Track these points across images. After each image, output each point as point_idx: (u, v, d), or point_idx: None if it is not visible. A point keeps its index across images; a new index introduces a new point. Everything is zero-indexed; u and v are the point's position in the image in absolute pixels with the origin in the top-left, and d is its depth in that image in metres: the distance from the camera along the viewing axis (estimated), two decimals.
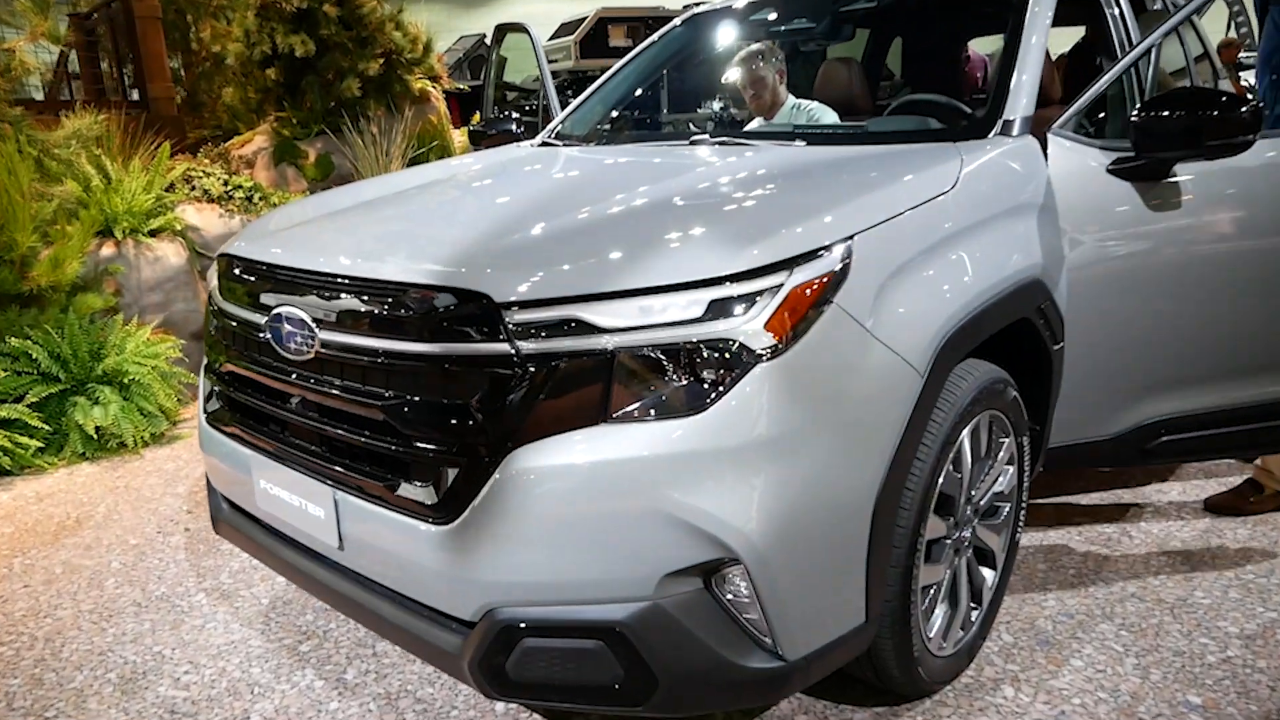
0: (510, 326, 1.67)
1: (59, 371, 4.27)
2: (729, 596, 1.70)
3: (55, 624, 2.82)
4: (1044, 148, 2.48)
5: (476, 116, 6.82)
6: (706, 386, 1.64)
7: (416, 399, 1.76)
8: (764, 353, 1.64)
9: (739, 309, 1.65)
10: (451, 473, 1.72)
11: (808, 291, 1.71)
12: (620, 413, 1.64)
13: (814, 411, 1.69)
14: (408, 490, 1.79)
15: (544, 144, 3.43)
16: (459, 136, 7.34)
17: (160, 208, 5.18)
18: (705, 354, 1.64)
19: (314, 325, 1.91)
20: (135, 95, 8.18)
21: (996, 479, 2.36)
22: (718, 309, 1.65)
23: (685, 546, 1.63)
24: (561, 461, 1.64)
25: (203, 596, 2.97)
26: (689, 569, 1.65)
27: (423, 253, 1.86)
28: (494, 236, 1.90)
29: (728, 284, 1.66)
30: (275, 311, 2.00)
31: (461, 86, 8.33)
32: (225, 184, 5.54)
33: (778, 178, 2.27)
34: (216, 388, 2.36)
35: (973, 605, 2.36)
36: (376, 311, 1.81)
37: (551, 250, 1.82)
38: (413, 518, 1.77)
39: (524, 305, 1.67)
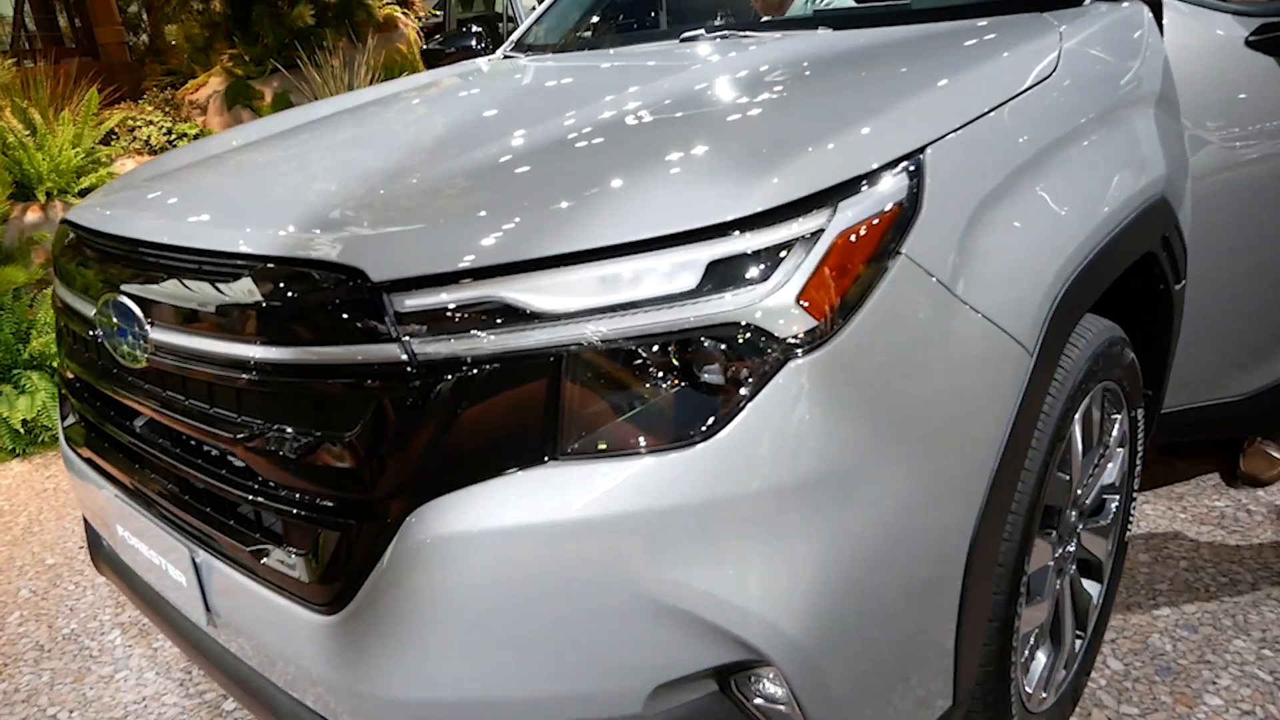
0: (398, 317, 1.08)
1: None
2: (757, 701, 1.14)
3: None
4: (1157, 16, 1.83)
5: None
6: (710, 400, 1.04)
7: (275, 427, 1.18)
8: (798, 341, 1.04)
9: (754, 273, 1.05)
10: (332, 538, 1.15)
11: (858, 237, 1.10)
12: (576, 445, 1.06)
13: (880, 428, 1.09)
14: (277, 559, 1.22)
15: (505, 57, 2.78)
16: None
17: (92, 164, 4.58)
18: (706, 348, 1.05)
19: (145, 321, 1.33)
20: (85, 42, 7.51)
21: (1106, 468, 1.77)
22: (721, 275, 1.05)
23: (688, 648, 1.06)
24: (487, 524, 1.06)
25: (117, 635, 2.45)
26: (695, 675, 1.08)
27: (281, 211, 1.26)
28: (388, 182, 1.30)
29: (735, 234, 1.06)
30: (103, 300, 1.42)
31: (435, 13, 7.57)
32: (168, 133, 4.91)
33: (803, 76, 1.63)
34: (70, 399, 1.79)
35: (1077, 633, 1.80)
36: (215, 300, 1.22)
37: (467, 199, 1.22)
38: (287, 598, 1.22)
39: (418, 285, 1.08)
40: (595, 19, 3.06)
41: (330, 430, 1.13)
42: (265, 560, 1.23)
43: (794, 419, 1.03)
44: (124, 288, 1.37)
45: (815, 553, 1.04)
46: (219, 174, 1.65)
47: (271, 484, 1.21)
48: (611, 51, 2.51)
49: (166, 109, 5.48)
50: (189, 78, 6.70)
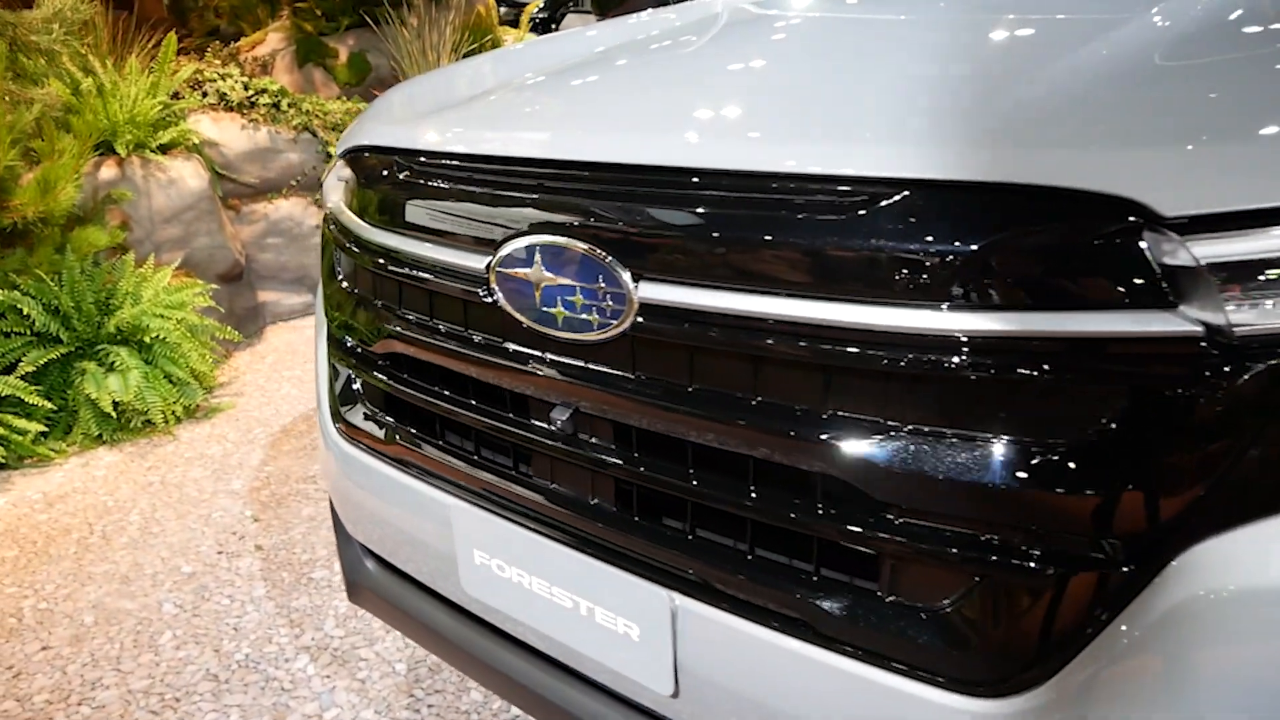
0: (1201, 275, 0.71)
1: (59, 330, 3.27)
2: None
3: (95, 716, 1.90)
4: None
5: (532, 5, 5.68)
6: None
7: (925, 429, 0.81)
8: None
9: None
10: (1013, 589, 0.78)
11: None
12: None
13: None
14: (880, 617, 0.85)
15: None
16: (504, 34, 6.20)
17: (169, 117, 4.11)
18: None
19: (621, 274, 0.95)
20: None
21: None
22: None
23: None
24: None
25: (306, 661, 2.05)
26: None
27: (916, 129, 0.88)
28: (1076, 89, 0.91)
29: None
30: (517, 247, 1.03)
31: None
32: (246, 88, 4.45)
33: None
34: (363, 381, 1.40)
35: None
36: (825, 244, 0.84)
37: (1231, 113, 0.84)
38: (885, 670, 0.85)
39: (1223, 225, 0.72)
40: None
41: (1040, 435, 0.76)
42: (841, 614, 0.86)
43: None
44: (569, 226, 0.98)
45: None
46: (639, 86, 1.25)
47: (890, 513, 0.83)
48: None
49: (231, 63, 5.00)
50: (231, 38, 6.21)
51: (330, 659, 2.06)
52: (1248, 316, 0.71)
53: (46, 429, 3.17)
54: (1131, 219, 0.73)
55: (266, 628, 2.18)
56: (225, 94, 4.38)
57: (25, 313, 3.19)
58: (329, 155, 4.59)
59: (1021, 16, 1.25)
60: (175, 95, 4.31)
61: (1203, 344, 0.71)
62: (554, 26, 3.65)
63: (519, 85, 1.39)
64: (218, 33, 6.77)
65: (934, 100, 0.93)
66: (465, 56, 5.29)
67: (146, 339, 3.41)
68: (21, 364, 3.13)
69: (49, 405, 3.17)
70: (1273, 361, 0.71)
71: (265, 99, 4.45)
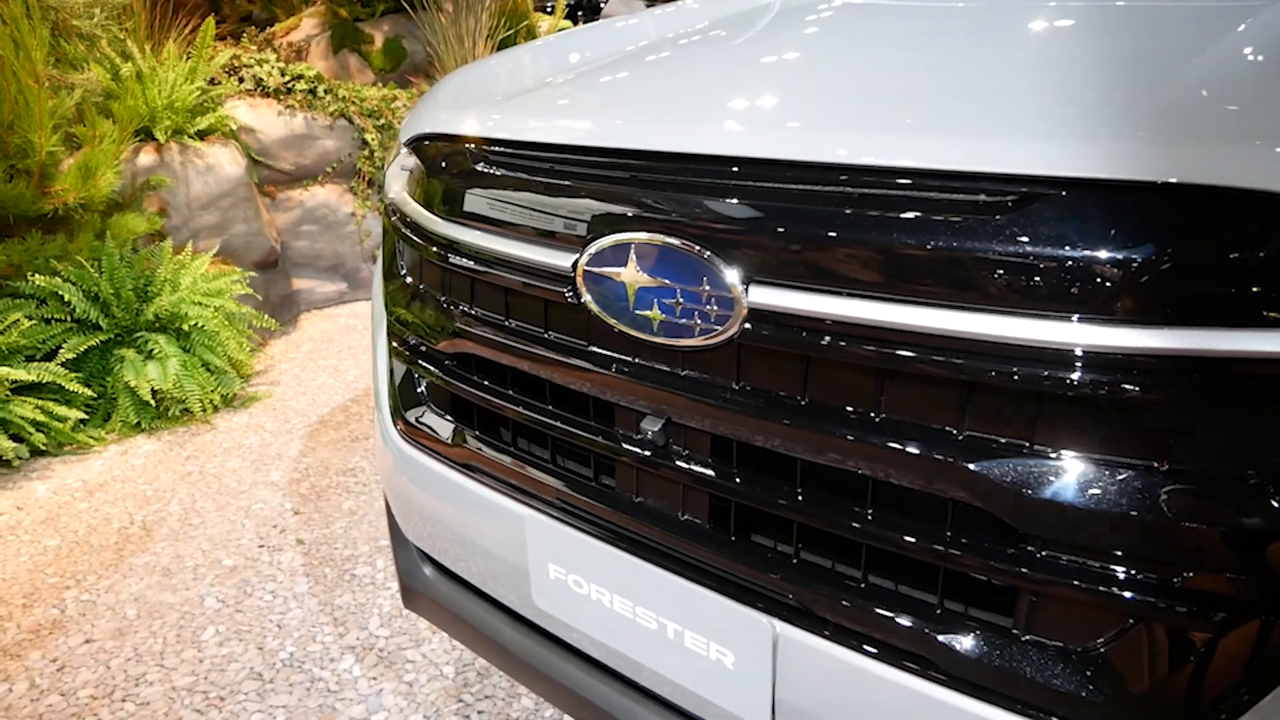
0: None
1: (98, 317, 3.24)
2: None
3: (139, 717, 1.87)
4: None
5: None
6: None
7: (1076, 457, 0.73)
8: None
9: None
10: (1171, 631, 0.71)
11: None
12: None
13: None
14: (1016, 656, 0.78)
15: None
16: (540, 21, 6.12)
17: (207, 103, 4.07)
18: None
19: (724, 274, 0.88)
20: None
21: None
22: None
23: None
24: None
25: (352, 663, 2.01)
26: None
27: (1067, 123, 0.80)
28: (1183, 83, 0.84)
29: None
30: (608, 245, 0.97)
31: None
32: (283, 74, 4.40)
33: None
34: (428, 381, 1.34)
35: None
36: (953, 251, 0.76)
37: None
38: (1021, 713, 0.78)
39: None
40: None
41: (1227, 466, 0.68)
42: (971, 653, 0.79)
43: None
44: (691, 224, 0.91)
45: None
46: (718, 76, 1.18)
47: (1032, 545, 0.76)
48: None
49: (264, 50, 4.96)
50: (264, 24, 6.17)
51: (376, 660, 2.01)
52: None
53: (86, 416, 3.15)
54: None
55: (310, 625, 2.14)
56: (262, 80, 4.34)
57: (66, 299, 3.17)
58: (364, 142, 4.54)
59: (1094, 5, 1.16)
60: (212, 81, 4.27)
61: None
62: (598, 14, 3.56)
63: (596, 71, 1.32)
64: (251, 18, 6.74)
65: (1083, 90, 0.85)
66: (501, 42, 5.23)
67: (185, 326, 3.38)
68: (62, 351, 3.11)
69: (88, 392, 3.15)
70: None
71: (302, 85, 4.41)
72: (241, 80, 4.43)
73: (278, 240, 4.33)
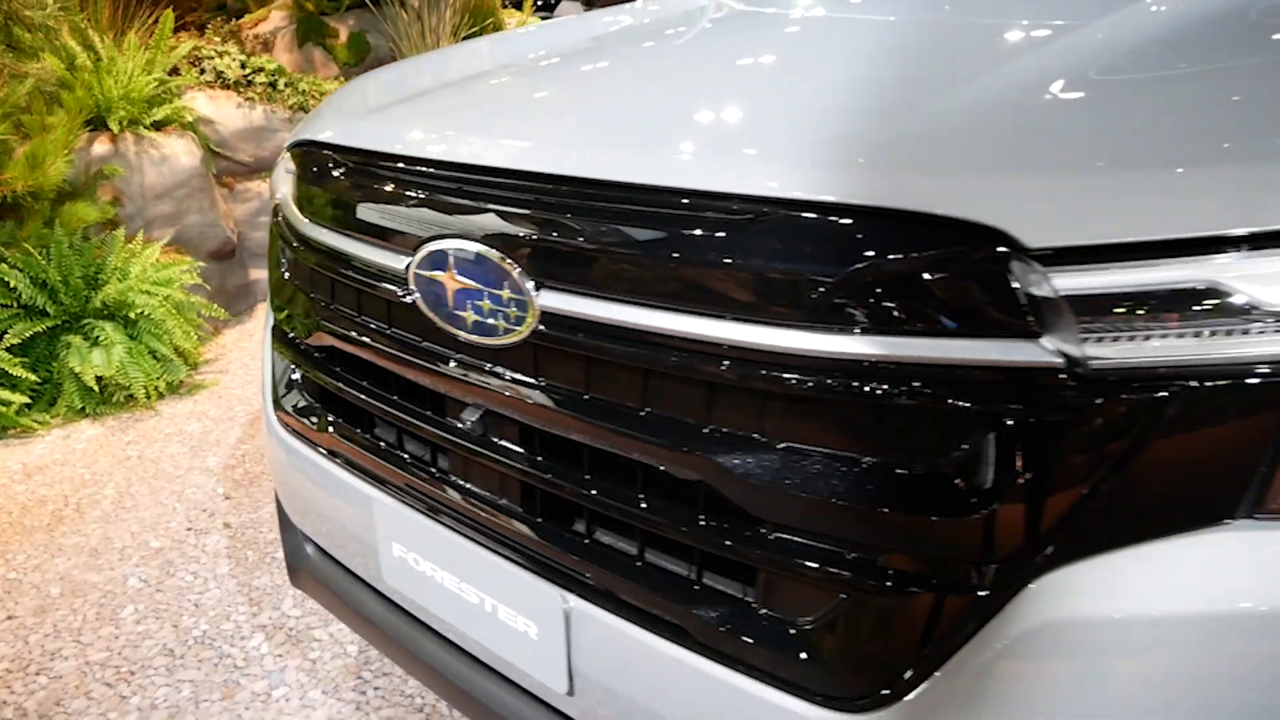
0: (1051, 306, 0.73)
1: (46, 304, 3.31)
2: None
3: (50, 689, 1.95)
4: None
5: None
6: None
7: (796, 448, 0.83)
8: None
9: None
10: (879, 608, 0.81)
11: None
12: None
13: None
14: (748, 625, 0.87)
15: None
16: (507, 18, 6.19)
17: (164, 94, 4.13)
18: None
19: (521, 279, 0.97)
20: None
21: None
22: None
23: None
24: (1169, 608, 0.72)
25: (260, 640, 2.09)
26: None
27: (797, 148, 0.89)
28: (964, 114, 0.93)
29: None
30: (432, 250, 1.05)
31: None
32: (243, 66, 4.46)
33: None
34: (300, 372, 1.42)
35: None
36: (700, 259, 0.85)
37: (1127, 141, 0.84)
38: (758, 680, 0.87)
39: (1085, 258, 0.73)
40: None
41: (906, 459, 0.78)
42: (717, 624, 0.88)
43: None
44: (480, 229, 1.00)
45: None
46: (573, 93, 1.27)
47: (762, 527, 0.85)
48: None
49: (231, 40, 5.02)
50: (236, 15, 6.22)
51: (285, 638, 2.10)
52: (1104, 350, 0.72)
53: (30, 401, 3.21)
54: (999, 249, 0.75)
55: (226, 605, 2.22)
56: (222, 72, 4.40)
57: (12, 285, 3.23)
58: None
59: (943, 25, 1.25)
60: (174, 71, 4.33)
61: (1062, 375, 0.73)
62: (553, 10, 3.64)
63: (459, 85, 1.41)
64: (224, 8, 6.78)
65: (823, 118, 0.94)
66: (465, 39, 5.29)
67: (132, 315, 3.44)
68: (7, 336, 3.18)
69: (33, 378, 3.22)
70: (1128, 395, 0.72)
71: (262, 77, 4.47)
72: (203, 72, 4.49)
73: (235, 231, 4.39)
